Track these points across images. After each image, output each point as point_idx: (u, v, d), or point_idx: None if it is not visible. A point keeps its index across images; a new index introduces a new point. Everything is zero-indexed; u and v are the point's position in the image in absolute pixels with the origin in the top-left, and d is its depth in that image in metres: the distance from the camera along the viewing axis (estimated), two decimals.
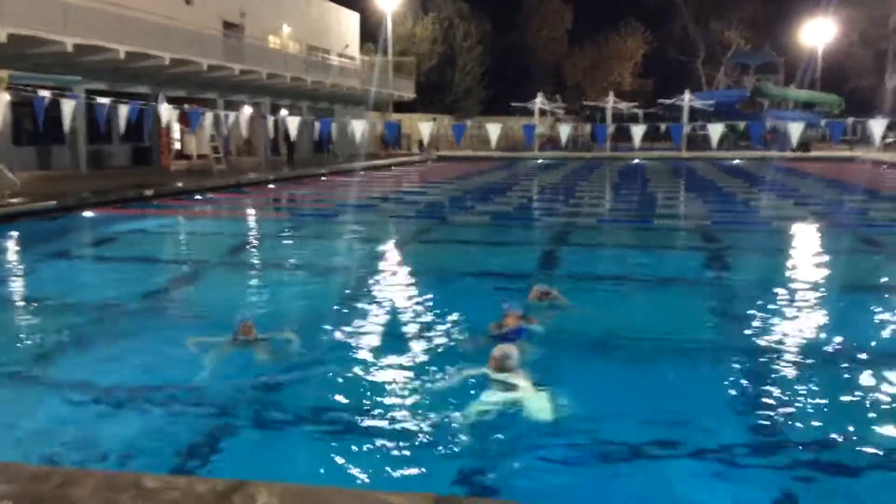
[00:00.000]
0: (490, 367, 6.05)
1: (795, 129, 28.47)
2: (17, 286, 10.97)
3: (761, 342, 7.59)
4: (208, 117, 26.79)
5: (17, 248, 14.21)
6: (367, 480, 4.61)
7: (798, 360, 7.05)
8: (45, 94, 19.72)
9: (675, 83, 61.38)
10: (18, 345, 7.80)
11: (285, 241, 15.69)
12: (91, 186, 21.12)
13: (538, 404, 5.66)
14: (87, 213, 17.80)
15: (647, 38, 78.11)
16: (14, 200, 16.89)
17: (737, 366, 6.85)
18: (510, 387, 5.85)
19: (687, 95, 50.10)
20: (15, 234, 14.95)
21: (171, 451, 5.04)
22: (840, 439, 5.30)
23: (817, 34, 59.19)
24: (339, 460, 4.97)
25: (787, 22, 65.50)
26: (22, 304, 9.79)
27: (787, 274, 11.37)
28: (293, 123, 27.73)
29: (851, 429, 5.46)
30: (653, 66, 78.02)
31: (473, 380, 6.13)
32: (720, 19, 73.00)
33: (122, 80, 28.79)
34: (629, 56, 79.05)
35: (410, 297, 9.45)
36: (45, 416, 5.80)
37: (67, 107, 20.29)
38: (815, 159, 41.93)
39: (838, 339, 7.75)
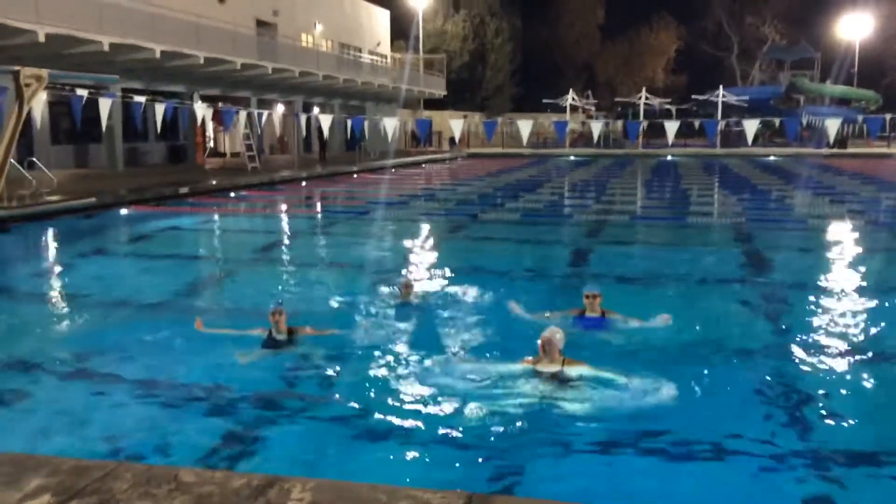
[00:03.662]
0: (544, 355, 6.06)
1: (832, 126, 28.00)
2: (58, 282, 11.18)
3: (797, 342, 7.49)
4: (242, 115, 27.01)
5: (58, 245, 14.46)
6: (400, 477, 4.64)
7: (836, 359, 6.95)
8: (83, 93, 20.01)
9: (709, 79, 60.87)
10: (59, 339, 7.96)
11: (318, 238, 15.78)
12: (128, 184, 21.43)
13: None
14: (124, 211, 18.07)
15: (680, 33, 77.31)
16: (53, 198, 17.18)
17: (779, 367, 6.76)
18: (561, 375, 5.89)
19: (721, 91, 49.53)
20: (56, 230, 15.21)
21: (208, 446, 5.10)
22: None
23: (854, 29, 58.14)
24: (374, 457, 5.01)
25: (824, 16, 64.48)
26: (63, 299, 9.96)
27: (824, 273, 11.20)
28: (325, 121, 27.86)
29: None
30: (686, 62, 77.25)
31: (513, 375, 6.13)
32: (755, 14, 72.00)
33: (157, 79, 29.13)
34: (662, 51, 78.30)
35: (445, 294, 9.44)
36: (86, 410, 5.90)
37: (104, 105, 20.56)
38: (852, 156, 41.27)
39: (875, 338, 7.63)
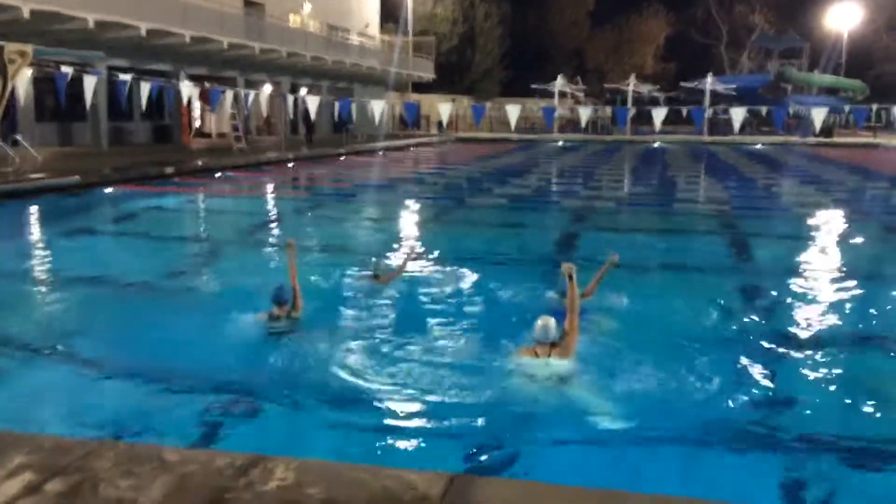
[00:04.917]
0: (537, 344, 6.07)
1: (819, 115, 28.14)
2: (40, 260, 11.08)
3: (775, 330, 7.54)
4: (228, 96, 26.81)
5: (41, 223, 14.34)
6: (384, 457, 4.65)
7: (816, 347, 7.00)
8: (68, 70, 19.77)
9: (698, 66, 60.84)
10: (40, 318, 7.90)
11: (303, 220, 15.72)
12: (112, 163, 21.25)
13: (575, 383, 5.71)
14: (109, 190, 17.92)
15: (670, 20, 77.28)
16: (36, 175, 17.01)
17: (759, 354, 6.80)
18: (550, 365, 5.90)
19: (709, 79, 49.62)
20: (38, 208, 15.08)
21: (191, 425, 5.09)
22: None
23: (843, 19, 58.27)
24: (358, 437, 5.02)
25: (813, 6, 64.54)
26: (45, 278, 9.89)
27: (807, 262, 11.27)
28: (313, 103, 27.70)
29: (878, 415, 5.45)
30: (675, 50, 77.25)
31: (502, 361, 6.15)
32: (744, 2, 72.03)
33: (143, 58, 28.83)
34: (651, 39, 78.27)
35: (428, 276, 9.45)
36: (67, 388, 5.87)
37: (89, 83, 20.34)
38: (838, 145, 41.52)
39: (858, 327, 7.70)
